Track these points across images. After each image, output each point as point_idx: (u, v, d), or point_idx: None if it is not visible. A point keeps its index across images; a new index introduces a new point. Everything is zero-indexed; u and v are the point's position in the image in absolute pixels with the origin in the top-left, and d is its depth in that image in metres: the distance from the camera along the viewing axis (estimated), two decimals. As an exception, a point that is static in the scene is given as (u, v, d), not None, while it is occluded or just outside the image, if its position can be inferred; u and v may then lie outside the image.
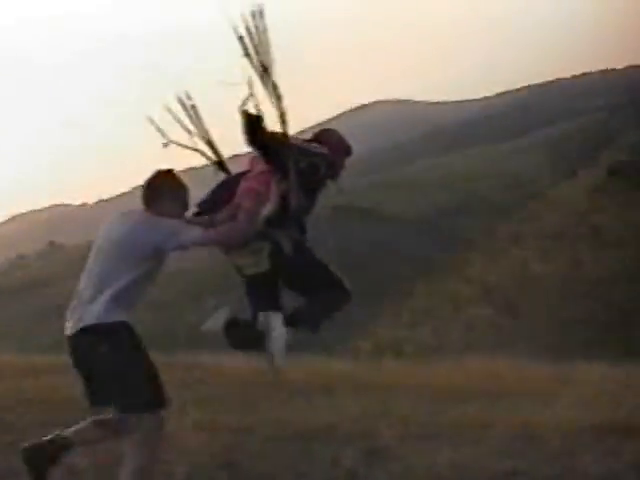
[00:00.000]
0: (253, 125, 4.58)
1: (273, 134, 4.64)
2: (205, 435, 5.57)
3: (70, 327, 4.06)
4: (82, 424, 4.23)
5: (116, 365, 3.96)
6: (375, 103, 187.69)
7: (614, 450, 4.94)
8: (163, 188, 4.21)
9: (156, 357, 9.16)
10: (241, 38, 4.54)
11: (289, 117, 4.66)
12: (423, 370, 8.13)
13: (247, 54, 4.57)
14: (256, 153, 4.70)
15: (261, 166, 4.69)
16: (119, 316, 4.00)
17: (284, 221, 4.63)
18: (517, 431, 5.38)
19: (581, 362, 8.44)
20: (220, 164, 4.97)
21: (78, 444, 4.23)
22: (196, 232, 4.10)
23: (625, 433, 5.22)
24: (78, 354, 4.08)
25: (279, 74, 4.62)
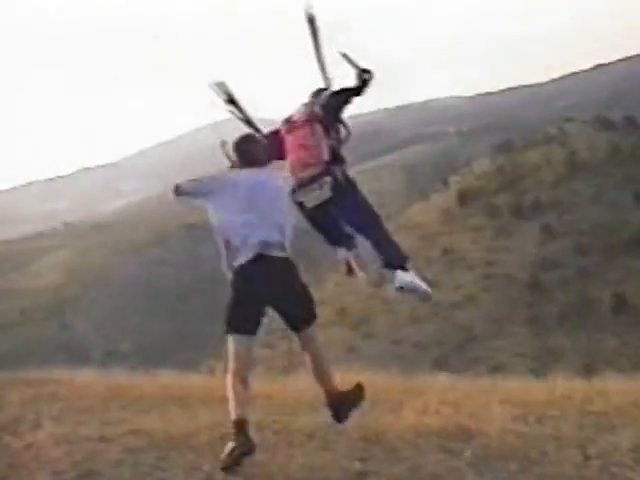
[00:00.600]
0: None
1: None
2: (65, 446, 5.69)
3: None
4: None
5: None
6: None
7: (455, 451, 5.43)
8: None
9: (4, 375, 9.08)
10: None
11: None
12: (275, 385, 8.40)
13: None
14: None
15: (301, 122, 6.02)
16: None
17: (337, 159, 6.06)
18: (369, 436, 5.78)
19: (428, 375, 8.92)
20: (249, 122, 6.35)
21: None
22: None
23: (465, 437, 5.73)
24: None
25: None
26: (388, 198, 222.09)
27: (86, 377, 9.09)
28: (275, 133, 6.19)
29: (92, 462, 5.36)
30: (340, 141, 6.13)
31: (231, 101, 6.27)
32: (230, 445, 5.03)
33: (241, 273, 5.28)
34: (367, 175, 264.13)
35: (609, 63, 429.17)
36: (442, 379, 8.24)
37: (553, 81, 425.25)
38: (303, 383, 7.51)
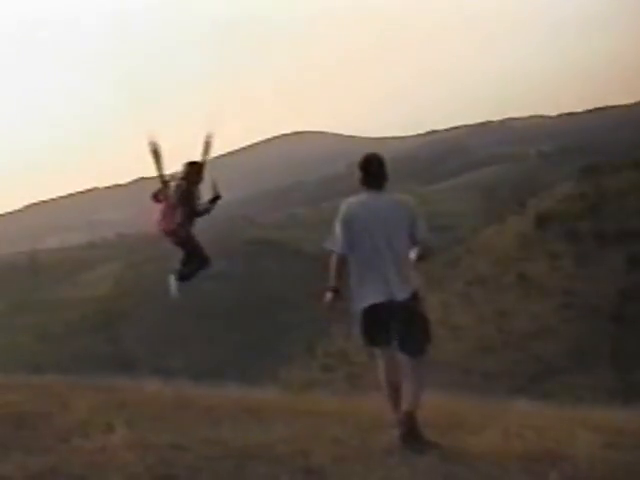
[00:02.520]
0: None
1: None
2: (138, 451, 5.90)
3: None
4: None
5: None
6: (300, 133, 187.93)
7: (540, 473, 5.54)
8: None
9: (68, 380, 9.37)
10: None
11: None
12: (348, 404, 8.53)
13: None
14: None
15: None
16: None
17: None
18: (449, 455, 5.93)
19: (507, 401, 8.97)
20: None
21: None
22: None
23: (550, 460, 5.83)
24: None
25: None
26: (462, 219, 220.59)
27: (153, 387, 9.35)
28: None
29: (167, 467, 5.58)
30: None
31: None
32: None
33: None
34: (442, 195, 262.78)
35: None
36: (522, 405, 8.30)
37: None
38: (375, 403, 7.65)
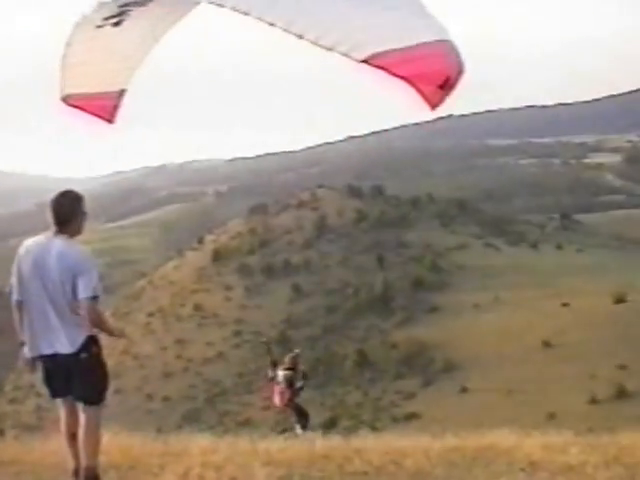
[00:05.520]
0: None
1: None
2: None
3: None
4: None
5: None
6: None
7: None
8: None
9: None
10: None
11: None
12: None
13: None
14: None
15: None
16: None
17: None
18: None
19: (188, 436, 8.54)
20: None
21: None
22: None
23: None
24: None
25: None
26: (145, 255, 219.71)
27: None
28: None
29: None
30: None
31: None
32: None
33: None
34: (125, 232, 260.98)
35: (361, 135, 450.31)
36: (203, 441, 7.91)
37: (308, 149, 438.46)
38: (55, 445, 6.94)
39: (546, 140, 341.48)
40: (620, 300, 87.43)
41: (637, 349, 70.02)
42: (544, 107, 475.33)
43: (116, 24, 5.43)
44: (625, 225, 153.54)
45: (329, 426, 73.96)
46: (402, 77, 4.31)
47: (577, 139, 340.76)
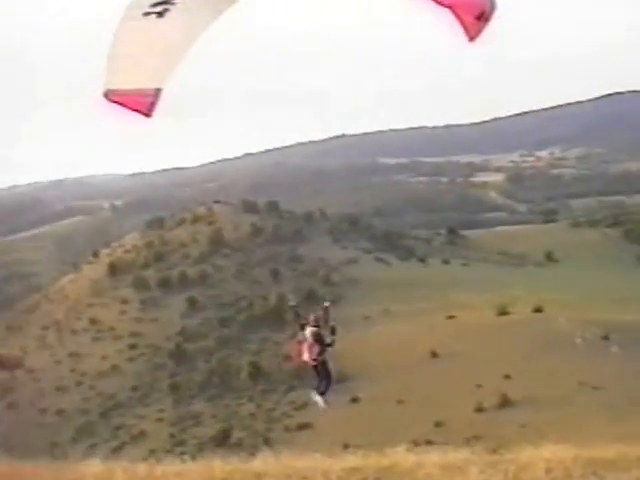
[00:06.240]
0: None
1: None
2: None
3: None
4: None
5: None
6: None
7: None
8: None
9: None
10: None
11: None
12: None
13: None
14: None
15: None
16: None
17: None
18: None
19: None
20: None
21: None
22: None
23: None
24: None
25: None
26: (39, 268, 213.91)
27: None
28: None
29: None
30: None
31: None
32: None
33: None
34: (20, 245, 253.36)
35: (256, 152, 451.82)
36: (97, 467, 7.55)
37: (203, 166, 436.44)
38: None
39: (435, 160, 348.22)
40: (503, 312, 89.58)
41: (520, 360, 71.68)
42: (434, 128, 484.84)
43: (160, 14, 5.64)
44: (507, 240, 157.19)
45: (223, 437, 73.46)
46: (446, 5, 5.16)
47: (465, 159, 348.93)
